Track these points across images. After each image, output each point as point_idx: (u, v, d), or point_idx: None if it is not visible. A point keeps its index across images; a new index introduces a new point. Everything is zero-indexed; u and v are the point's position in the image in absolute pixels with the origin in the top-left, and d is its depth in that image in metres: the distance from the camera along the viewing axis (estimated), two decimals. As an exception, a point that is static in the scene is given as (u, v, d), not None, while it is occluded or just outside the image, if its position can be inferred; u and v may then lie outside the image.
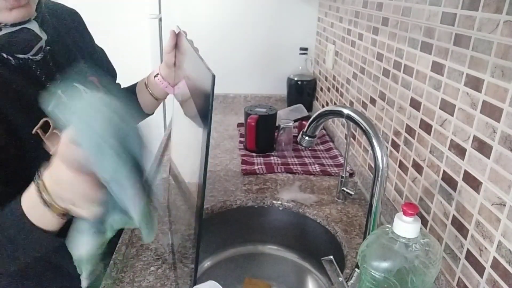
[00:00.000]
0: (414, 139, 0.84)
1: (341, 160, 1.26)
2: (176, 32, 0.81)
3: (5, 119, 0.59)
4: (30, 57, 0.65)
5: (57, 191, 0.48)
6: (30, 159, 0.61)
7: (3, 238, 0.53)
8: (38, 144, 0.63)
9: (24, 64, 0.64)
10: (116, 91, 0.92)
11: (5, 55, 0.61)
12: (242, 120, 1.59)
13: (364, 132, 0.68)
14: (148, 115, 0.96)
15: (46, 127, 0.64)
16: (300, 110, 1.66)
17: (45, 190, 0.49)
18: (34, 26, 0.63)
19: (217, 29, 1.77)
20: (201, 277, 0.95)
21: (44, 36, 0.65)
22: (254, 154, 1.30)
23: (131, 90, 0.93)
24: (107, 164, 0.41)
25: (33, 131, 0.62)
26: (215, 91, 0.50)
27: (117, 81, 0.96)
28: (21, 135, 0.61)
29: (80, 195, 0.45)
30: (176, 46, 0.82)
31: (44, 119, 0.64)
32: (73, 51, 0.78)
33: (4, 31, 0.59)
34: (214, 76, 0.46)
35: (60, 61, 0.71)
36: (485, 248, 0.61)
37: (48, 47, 0.68)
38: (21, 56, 0.63)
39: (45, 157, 0.57)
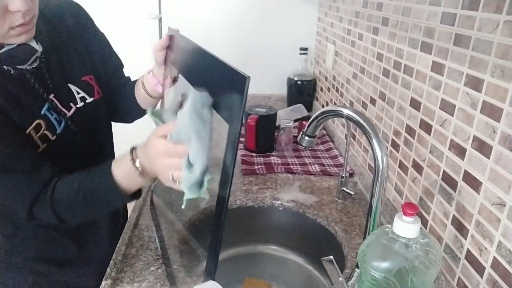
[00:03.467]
0: (414, 139, 0.84)
1: (341, 160, 1.26)
2: (170, 34, 0.83)
3: (7, 118, 0.68)
4: (27, 67, 0.71)
5: (149, 163, 0.65)
6: (23, 156, 0.70)
7: (91, 196, 0.70)
8: (29, 142, 0.71)
9: (20, 74, 0.71)
10: (115, 86, 0.94)
11: (5, 67, 0.69)
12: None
13: (364, 132, 0.68)
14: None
15: (38, 128, 0.72)
16: (300, 110, 1.66)
17: (140, 165, 0.66)
18: (31, 42, 0.69)
19: (217, 29, 1.77)
20: (201, 276, 0.95)
21: (39, 49, 0.71)
22: (254, 154, 1.30)
23: (132, 87, 0.94)
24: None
25: (27, 132, 0.70)
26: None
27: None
28: (18, 134, 0.70)
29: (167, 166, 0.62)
30: (168, 47, 0.83)
31: (37, 121, 0.72)
32: (70, 51, 0.81)
33: (5, 48, 0.66)
34: (249, 78, 0.49)
35: (54, 66, 0.77)
36: (485, 248, 0.61)
37: (43, 56, 0.73)
38: (19, 66, 0.70)
39: (35, 154, 0.72)
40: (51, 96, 0.75)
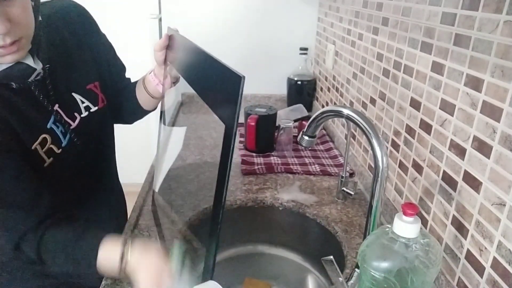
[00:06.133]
0: (414, 139, 0.84)
1: (341, 160, 1.26)
2: (169, 34, 0.83)
3: (13, 132, 0.66)
4: (30, 80, 0.68)
5: (134, 268, 0.65)
6: (22, 189, 0.68)
7: (69, 261, 0.68)
8: (35, 157, 0.70)
9: (24, 87, 0.69)
10: (118, 90, 0.94)
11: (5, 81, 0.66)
12: (242, 120, 1.58)
13: (364, 132, 0.68)
14: (149, 111, 0.97)
15: (44, 143, 0.71)
16: (300, 110, 1.66)
17: (125, 263, 0.66)
18: (28, 60, 0.65)
19: (217, 29, 1.77)
20: (201, 277, 0.95)
21: (38, 66, 0.67)
22: (254, 154, 1.30)
23: (133, 87, 0.94)
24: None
25: (32, 147, 0.69)
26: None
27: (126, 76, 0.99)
28: (24, 149, 0.68)
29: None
30: (167, 46, 0.83)
31: (43, 135, 0.71)
32: (76, 59, 0.80)
33: (0, 68, 0.63)
34: (243, 77, 0.49)
35: (58, 76, 0.75)
36: (485, 248, 0.61)
37: (47, 66, 0.71)
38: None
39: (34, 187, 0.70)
40: (56, 107, 0.74)
